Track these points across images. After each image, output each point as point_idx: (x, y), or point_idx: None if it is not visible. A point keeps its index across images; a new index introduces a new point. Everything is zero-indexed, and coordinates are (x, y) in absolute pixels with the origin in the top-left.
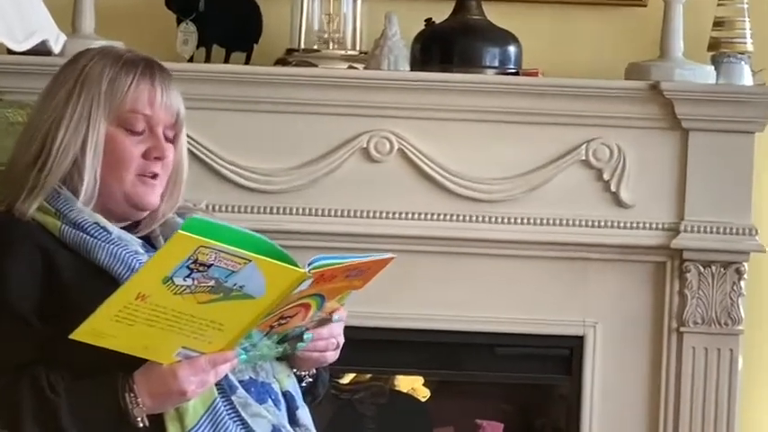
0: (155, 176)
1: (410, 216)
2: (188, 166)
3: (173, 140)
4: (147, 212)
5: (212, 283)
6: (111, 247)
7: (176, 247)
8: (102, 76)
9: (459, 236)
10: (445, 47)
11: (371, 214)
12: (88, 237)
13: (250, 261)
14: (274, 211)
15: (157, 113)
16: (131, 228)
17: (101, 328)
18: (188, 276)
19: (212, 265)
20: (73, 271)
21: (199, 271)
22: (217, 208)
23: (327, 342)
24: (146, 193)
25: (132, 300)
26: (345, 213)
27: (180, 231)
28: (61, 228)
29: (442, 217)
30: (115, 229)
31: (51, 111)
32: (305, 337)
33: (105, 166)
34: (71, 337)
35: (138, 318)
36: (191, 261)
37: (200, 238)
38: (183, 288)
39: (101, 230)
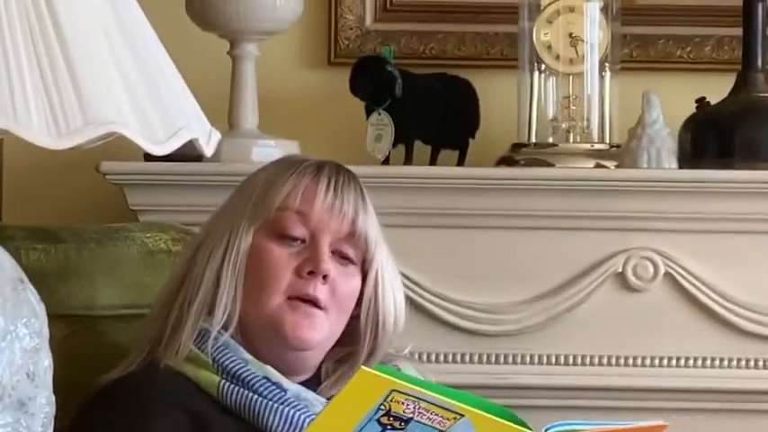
0: (314, 304)
1: (683, 362)
2: (400, 314)
3: (354, 261)
4: (311, 354)
5: None
6: (287, 409)
7: (361, 392)
8: (261, 177)
9: (755, 388)
10: (725, 135)
11: (630, 361)
12: (256, 396)
13: (463, 416)
14: (500, 359)
15: (320, 215)
16: (313, 384)
17: None
18: None
19: (411, 419)
20: None
21: (394, 428)
22: (424, 356)
23: None
24: (294, 323)
25: None
26: (595, 361)
27: (364, 368)
28: (220, 385)
29: (728, 363)
30: (292, 386)
31: (206, 225)
32: None
33: (249, 285)
34: None
35: None
36: (382, 413)
37: (393, 379)
38: None
39: (272, 387)
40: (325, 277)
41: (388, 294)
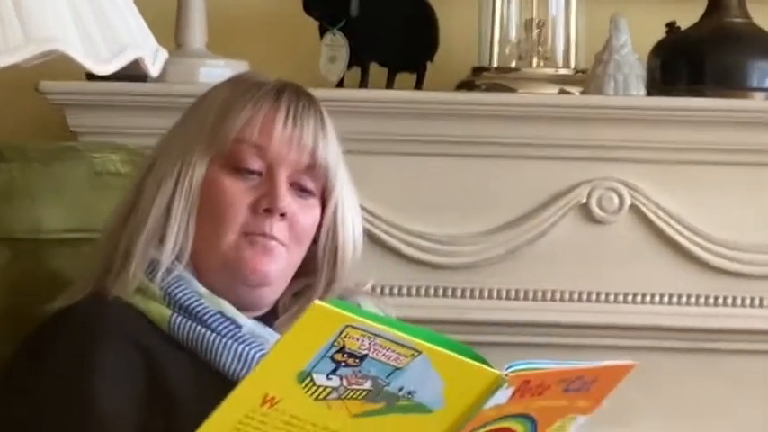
0: (271, 238)
1: (648, 299)
2: (358, 245)
3: (313, 193)
4: (268, 290)
5: (368, 384)
6: (241, 346)
7: (313, 326)
8: (215, 101)
9: (720, 326)
10: (695, 62)
11: (593, 296)
12: (209, 332)
13: (420, 353)
14: (458, 293)
15: (278, 147)
16: (270, 319)
17: None
18: (333, 373)
19: (366, 356)
20: (186, 378)
21: (348, 365)
22: (378, 289)
23: None
24: (252, 258)
25: (257, 404)
26: (557, 296)
27: (317, 303)
28: (171, 318)
29: (694, 300)
30: (247, 322)
31: (156, 149)
32: None
33: (202, 220)
34: None
35: None
36: (335, 349)
37: (347, 314)
38: (329, 391)
39: (226, 323)
40: (282, 215)
41: (348, 224)
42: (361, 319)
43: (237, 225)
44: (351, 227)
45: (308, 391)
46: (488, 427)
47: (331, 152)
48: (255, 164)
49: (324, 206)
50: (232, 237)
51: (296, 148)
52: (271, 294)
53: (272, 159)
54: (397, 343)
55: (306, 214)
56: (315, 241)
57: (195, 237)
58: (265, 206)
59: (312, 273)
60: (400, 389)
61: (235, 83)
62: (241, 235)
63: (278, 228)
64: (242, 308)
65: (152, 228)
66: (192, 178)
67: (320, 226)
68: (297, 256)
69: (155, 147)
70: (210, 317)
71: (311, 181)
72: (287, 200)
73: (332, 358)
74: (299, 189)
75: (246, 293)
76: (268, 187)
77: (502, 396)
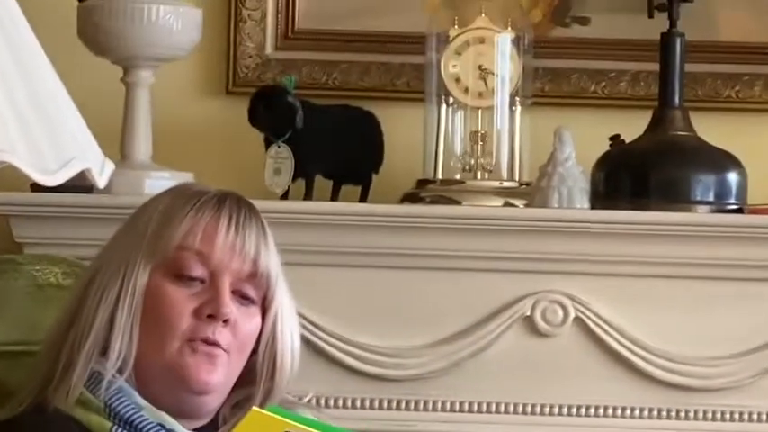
0: (214, 345)
1: (592, 411)
2: (296, 354)
3: (254, 301)
4: (210, 397)
5: None
6: None
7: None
8: (156, 210)
9: None
10: (639, 175)
11: (538, 409)
12: None
13: None
14: (401, 405)
15: (220, 255)
16: (209, 431)
17: None
18: None
19: None
20: None
21: None
22: (322, 401)
23: None
24: (196, 366)
25: None
26: (501, 408)
27: (255, 409)
28: (112, 430)
29: (639, 413)
30: None
31: (97, 258)
32: None
33: (145, 328)
34: None
35: None
36: None
37: (286, 420)
38: None
39: None
40: (225, 321)
41: (287, 334)
42: (299, 425)
43: (181, 332)
44: (290, 336)
45: None
46: None
47: (272, 261)
48: (198, 271)
49: (264, 314)
50: (176, 344)
51: (238, 255)
52: (212, 402)
53: (215, 267)
54: None
55: (248, 321)
56: (254, 351)
57: (138, 345)
58: (209, 312)
59: (252, 383)
60: None
61: (176, 192)
62: (184, 342)
63: (221, 334)
64: (183, 415)
65: (95, 338)
66: (135, 286)
67: (260, 334)
68: (238, 364)
69: (95, 257)
70: (150, 429)
71: (253, 289)
72: (231, 306)
73: None
74: (241, 296)
75: (188, 400)
76: (211, 294)
77: None
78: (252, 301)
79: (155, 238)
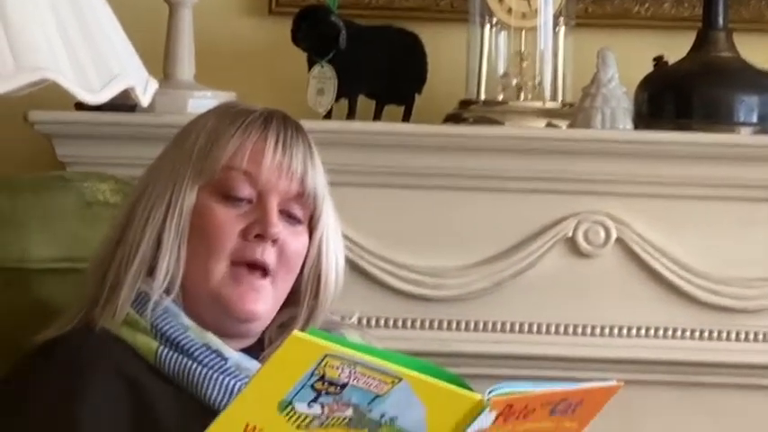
0: (263, 272)
1: (635, 332)
2: (341, 274)
3: (301, 221)
4: (258, 323)
5: (350, 412)
6: (227, 379)
7: (293, 357)
8: (203, 129)
9: (704, 360)
10: (683, 96)
11: (579, 330)
12: (195, 364)
13: (401, 380)
14: (443, 325)
15: (268, 175)
16: (256, 351)
17: None
18: (314, 401)
19: (347, 384)
20: (172, 411)
21: (329, 393)
22: (364, 321)
23: None
24: (240, 296)
25: None
26: (543, 329)
27: (296, 333)
28: (158, 351)
29: (680, 333)
30: (233, 355)
31: (144, 177)
32: None
33: (192, 248)
34: None
35: None
36: (316, 378)
37: (326, 343)
38: (310, 419)
39: (212, 356)
40: (274, 241)
41: (332, 254)
42: (340, 348)
43: (228, 252)
44: (334, 256)
45: (289, 419)
46: None
47: (319, 180)
48: (245, 191)
49: (310, 234)
50: (222, 265)
51: (285, 175)
52: (257, 327)
53: (262, 186)
54: (377, 370)
55: (295, 240)
56: (300, 271)
57: (185, 266)
58: (257, 232)
59: (296, 303)
60: (382, 415)
61: (221, 111)
62: (231, 264)
63: (269, 254)
64: (228, 336)
65: (142, 258)
66: (183, 206)
67: (306, 254)
68: (285, 285)
69: (142, 176)
70: (196, 350)
71: (300, 208)
72: (278, 226)
73: (313, 387)
74: (288, 216)
75: (234, 326)
76: (259, 214)
77: (485, 420)
78: (299, 221)
79: (201, 158)
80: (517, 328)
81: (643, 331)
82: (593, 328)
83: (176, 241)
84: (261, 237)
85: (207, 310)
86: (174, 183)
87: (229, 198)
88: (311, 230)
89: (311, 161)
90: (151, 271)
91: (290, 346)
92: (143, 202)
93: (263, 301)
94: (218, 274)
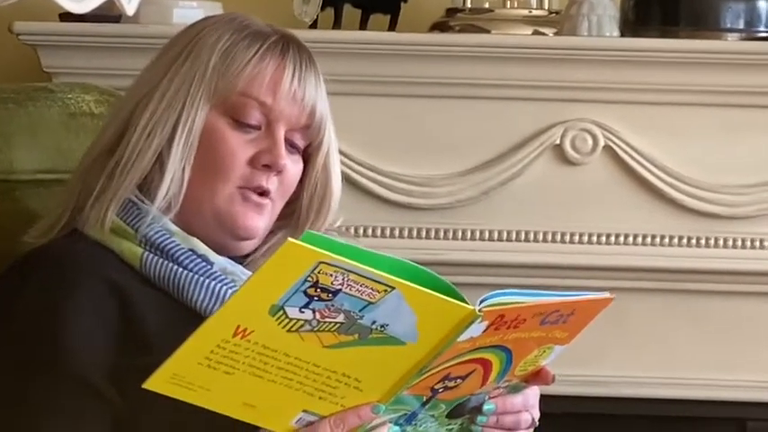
0: (263, 194)
1: (622, 240)
2: (339, 189)
3: (303, 150)
4: (250, 242)
5: (341, 317)
6: (213, 283)
7: (287, 263)
8: (217, 46)
9: (691, 267)
10: (669, 2)
11: (567, 238)
12: (180, 269)
13: (393, 289)
14: (431, 234)
15: (281, 105)
16: (240, 258)
17: (186, 375)
18: (306, 306)
19: (339, 291)
20: (158, 316)
21: (321, 299)
22: (352, 230)
23: (517, 417)
24: (244, 214)
25: (229, 336)
26: (531, 237)
27: (291, 240)
28: (143, 256)
29: (668, 241)
30: (219, 259)
31: (143, 86)
32: (484, 408)
33: (198, 168)
34: (144, 385)
35: (238, 364)
36: (308, 284)
37: (321, 251)
38: (301, 323)
39: (198, 260)
40: (279, 171)
41: (336, 173)
42: (334, 255)
43: (235, 178)
44: (337, 175)
45: (280, 323)
46: (462, 359)
47: (325, 108)
48: (257, 119)
49: (312, 158)
50: (227, 189)
51: (298, 106)
52: (251, 245)
53: (274, 117)
54: (370, 279)
55: (294, 167)
56: (297, 195)
57: (188, 186)
58: (265, 162)
59: (288, 225)
60: (373, 322)
61: (235, 28)
62: (236, 188)
63: (272, 182)
64: (219, 253)
65: (138, 170)
66: (194, 123)
67: (304, 176)
68: (278, 208)
69: (135, 86)
70: (182, 254)
71: (301, 138)
72: (286, 158)
73: (305, 293)
74: (290, 145)
75: (229, 243)
76: (268, 144)
77: (476, 329)
78: (297, 150)
79: (216, 78)
80: (505, 236)
81: (631, 239)
82: (581, 235)
83: (182, 162)
84: (269, 167)
85: (205, 226)
86: (185, 98)
87: (240, 123)
88: (311, 154)
89: (320, 91)
90: (143, 184)
91: (284, 252)
92: (147, 113)
93: (263, 219)
94: (225, 195)
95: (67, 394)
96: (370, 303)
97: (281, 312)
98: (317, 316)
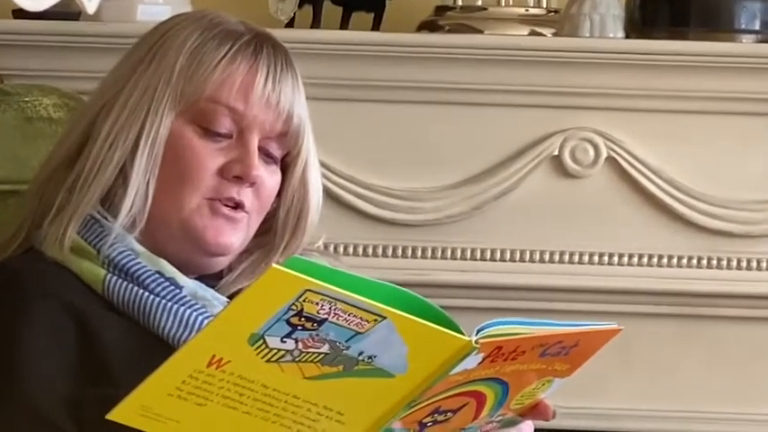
0: (236, 207)
1: (626, 260)
2: (320, 204)
3: (277, 161)
4: (223, 258)
5: (325, 348)
6: (181, 309)
7: (270, 290)
8: (184, 46)
9: (702, 290)
10: (678, 1)
11: (566, 257)
12: (146, 293)
13: (384, 318)
14: (418, 253)
15: (253, 111)
16: (211, 280)
17: (154, 406)
18: (288, 336)
19: (325, 320)
20: (122, 344)
21: (305, 329)
22: (331, 248)
23: None
24: (215, 228)
25: (203, 366)
26: (526, 256)
27: (275, 267)
28: (106, 279)
29: (676, 261)
30: (188, 283)
31: (106, 91)
32: None
33: (163, 180)
34: (108, 416)
35: (211, 395)
36: (292, 313)
37: (307, 278)
38: (282, 353)
39: (165, 284)
40: (252, 183)
41: (314, 185)
42: (322, 283)
43: (203, 189)
44: (316, 187)
45: (259, 353)
46: (454, 391)
47: (303, 113)
48: (227, 126)
49: (289, 169)
50: (195, 201)
51: (272, 113)
52: (225, 262)
53: (246, 124)
54: (360, 308)
55: (270, 179)
56: (271, 209)
57: (153, 200)
58: (236, 173)
59: (266, 239)
60: (360, 353)
61: (204, 26)
62: (204, 200)
63: (245, 195)
64: (191, 272)
65: (101, 183)
66: (159, 134)
67: (280, 189)
68: (256, 224)
69: (99, 90)
70: (148, 277)
71: (278, 148)
72: (260, 168)
73: (288, 322)
74: (266, 155)
75: (202, 260)
76: (239, 153)
77: (471, 362)
78: (274, 161)
79: (183, 81)
80: (498, 255)
81: (636, 259)
82: (581, 255)
83: (146, 174)
84: (240, 179)
85: (173, 242)
86: (148, 104)
87: (208, 132)
88: (290, 166)
89: (298, 95)
90: (106, 198)
91: (268, 278)
92: (108, 122)
93: (237, 234)
94: (192, 207)
95: (20, 427)
96: (358, 333)
97: (260, 342)
98: (300, 346)
